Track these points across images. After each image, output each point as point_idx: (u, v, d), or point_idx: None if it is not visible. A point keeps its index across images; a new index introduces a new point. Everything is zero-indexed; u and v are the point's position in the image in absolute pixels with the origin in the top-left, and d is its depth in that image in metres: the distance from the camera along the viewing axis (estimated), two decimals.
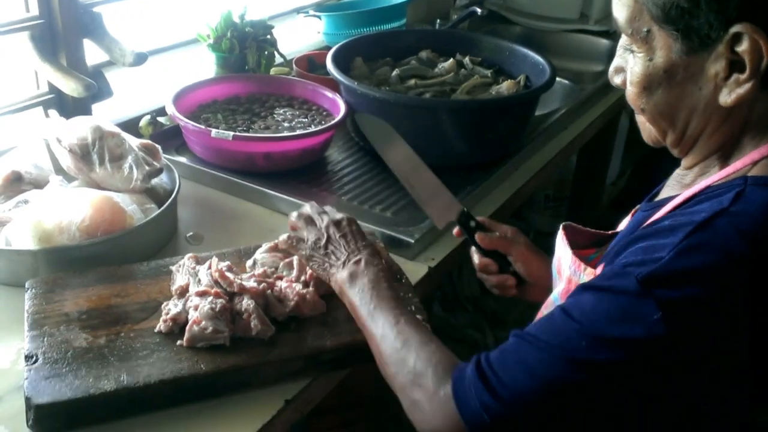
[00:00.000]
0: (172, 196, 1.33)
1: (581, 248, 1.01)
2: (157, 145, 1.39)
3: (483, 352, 0.85)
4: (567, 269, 0.98)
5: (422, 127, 1.57)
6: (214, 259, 1.13)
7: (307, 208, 1.17)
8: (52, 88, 1.56)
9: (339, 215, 1.14)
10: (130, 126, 1.59)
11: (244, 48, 1.80)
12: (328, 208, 1.17)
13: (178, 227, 1.39)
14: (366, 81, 1.72)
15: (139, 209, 1.27)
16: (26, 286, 1.11)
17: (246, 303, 1.05)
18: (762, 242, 0.74)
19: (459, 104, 1.64)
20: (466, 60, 1.86)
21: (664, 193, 0.96)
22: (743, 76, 0.78)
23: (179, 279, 1.12)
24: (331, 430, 2.00)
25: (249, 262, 1.20)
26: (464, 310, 2.53)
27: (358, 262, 1.06)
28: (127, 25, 1.71)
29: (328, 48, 1.81)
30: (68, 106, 1.57)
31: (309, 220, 1.15)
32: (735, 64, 0.79)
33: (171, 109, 1.53)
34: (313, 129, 1.57)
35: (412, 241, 1.34)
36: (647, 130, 0.93)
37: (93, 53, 1.59)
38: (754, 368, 0.77)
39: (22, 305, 1.08)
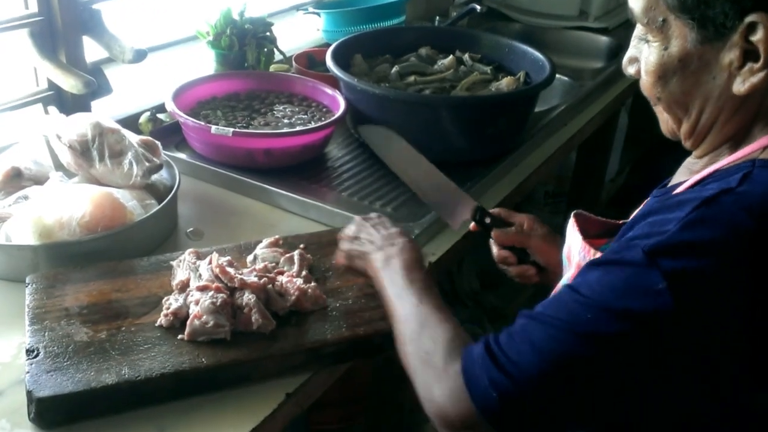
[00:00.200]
0: (172, 192, 1.33)
1: (592, 237, 1.01)
2: (156, 142, 1.40)
3: (490, 334, 0.86)
4: (577, 255, 0.99)
5: (422, 124, 1.57)
6: (215, 255, 1.13)
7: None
8: (52, 85, 1.56)
9: (372, 215, 1.21)
10: (130, 123, 1.59)
11: (244, 45, 1.80)
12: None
13: (179, 223, 1.39)
14: (366, 78, 1.72)
15: (139, 205, 1.27)
16: (27, 281, 1.11)
17: (247, 297, 1.06)
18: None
19: (459, 101, 1.64)
20: (466, 57, 1.87)
21: (674, 180, 0.97)
22: (757, 65, 0.80)
23: (180, 274, 1.12)
24: (332, 424, 2.00)
25: (249, 258, 1.20)
26: (464, 306, 2.53)
27: (392, 246, 1.10)
28: (127, 22, 1.71)
29: (328, 45, 1.81)
30: (68, 103, 1.57)
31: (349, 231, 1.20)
32: (749, 54, 0.80)
33: (171, 106, 1.53)
34: (313, 125, 1.57)
35: (413, 237, 1.34)
36: (664, 120, 0.94)
37: (92, 50, 1.59)
38: (754, 348, 0.77)
39: (23, 300, 1.08)
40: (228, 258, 1.14)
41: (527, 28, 2.64)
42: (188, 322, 1.02)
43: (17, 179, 1.34)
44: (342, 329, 1.07)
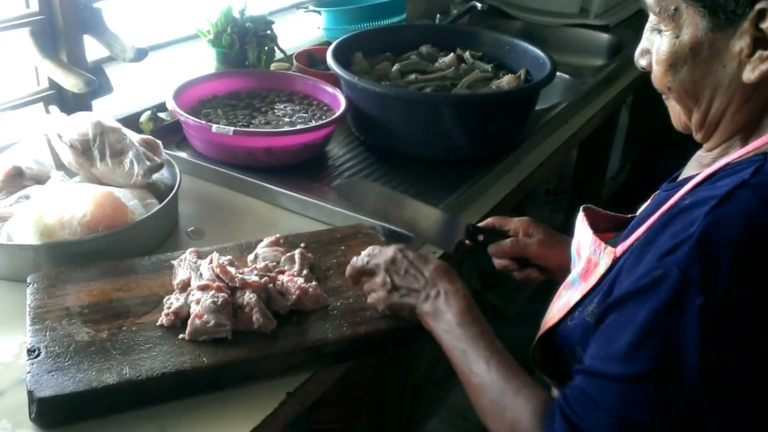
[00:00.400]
0: (173, 191, 1.33)
1: (602, 231, 1.01)
2: (157, 141, 1.40)
3: (560, 395, 0.86)
4: (587, 249, 0.98)
5: (423, 122, 1.57)
6: (215, 254, 1.13)
7: (357, 262, 1.11)
8: (53, 84, 1.56)
9: (390, 252, 1.09)
10: (131, 121, 1.59)
11: (245, 43, 1.80)
12: (372, 252, 1.12)
13: (179, 222, 1.39)
14: (366, 76, 1.72)
15: (140, 204, 1.27)
16: (28, 280, 1.11)
17: (248, 297, 1.06)
18: None
19: (460, 99, 1.64)
20: (467, 55, 1.87)
21: (684, 174, 0.97)
22: (767, 53, 0.80)
23: (181, 273, 1.12)
24: (333, 423, 2.00)
25: (250, 257, 1.20)
26: None
27: (438, 296, 1.03)
28: (128, 21, 1.71)
29: (328, 43, 1.81)
30: (69, 102, 1.57)
31: (368, 272, 1.10)
32: (759, 41, 0.81)
33: (171, 105, 1.53)
34: (313, 124, 1.57)
35: (413, 235, 1.34)
36: (676, 113, 0.94)
37: (93, 49, 1.59)
38: None
39: (24, 300, 1.08)
40: (229, 257, 1.14)
41: (528, 26, 2.64)
42: (189, 322, 1.02)
43: (18, 179, 1.34)
44: (343, 328, 1.07)
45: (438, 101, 1.59)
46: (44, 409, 0.91)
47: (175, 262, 1.15)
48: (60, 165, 1.37)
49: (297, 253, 1.19)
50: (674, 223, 0.80)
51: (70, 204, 1.21)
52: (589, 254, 0.98)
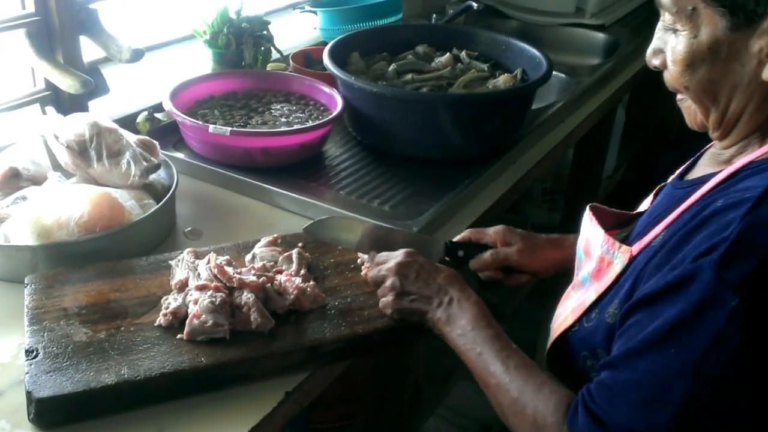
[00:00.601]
0: (170, 191, 1.33)
1: (607, 229, 1.01)
2: (154, 141, 1.40)
3: (583, 390, 0.86)
4: (598, 248, 0.98)
5: (419, 122, 1.57)
6: (213, 254, 1.13)
7: (370, 275, 1.12)
8: (49, 85, 1.56)
9: (400, 256, 1.10)
10: (128, 122, 1.59)
11: (241, 44, 1.80)
12: (380, 259, 1.13)
13: (177, 223, 1.39)
14: (363, 76, 1.73)
15: (137, 205, 1.27)
16: (25, 281, 1.11)
17: (246, 296, 1.06)
18: None
19: (456, 98, 1.64)
20: (463, 54, 1.87)
21: (698, 171, 0.97)
22: None
23: (179, 273, 1.12)
24: (331, 423, 2.00)
25: (248, 257, 1.20)
26: None
27: (450, 302, 1.04)
28: (124, 22, 1.71)
29: (325, 43, 1.81)
30: (65, 103, 1.57)
31: (380, 280, 1.10)
32: None
33: (168, 105, 1.53)
34: (310, 124, 1.57)
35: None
36: (692, 113, 0.94)
37: (89, 50, 1.59)
38: None
39: (22, 301, 1.08)
40: (226, 257, 1.14)
41: (524, 26, 2.64)
42: (187, 322, 1.02)
43: (15, 180, 1.34)
44: (341, 327, 1.07)
45: (434, 101, 1.60)
46: (43, 410, 0.91)
47: (172, 263, 1.15)
48: (57, 166, 1.36)
49: (294, 252, 1.19)
50: (708, 225, 0.80)
51: (67, 205, 1.21)
52: (601, 253, 0.97)
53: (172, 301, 1.06)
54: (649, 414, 0.78)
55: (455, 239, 1.24)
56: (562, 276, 1.19)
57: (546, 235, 1.26)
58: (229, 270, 1.09)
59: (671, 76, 0.91)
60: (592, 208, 1.06)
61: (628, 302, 0.86)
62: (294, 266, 1.17)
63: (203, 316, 1.02)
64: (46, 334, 1.01)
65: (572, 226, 1.24)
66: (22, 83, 1.58)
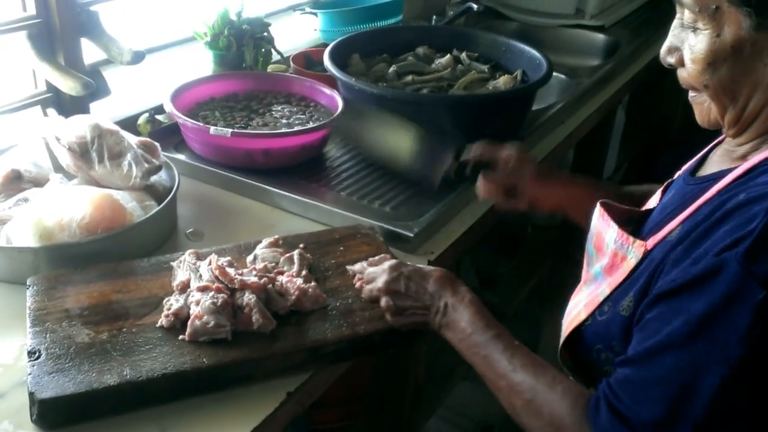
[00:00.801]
0: (172, 193, 1.34)
1: (617, 225, 1.01)
2: (155, 143, 1.40)
3: (603, 386, 0.86)
4: (612, 244, 0.98)
5: (420, 123, 1.57)
6: (214, 256, 1.13)
7: (365, 295, 1.12)
8: (50, 87, 1.56)
9: (385, 274, 1.09)
10: (129, 124, 1.60)
11: (242, 45, 1.80)
12: (369, 278, 1.12)
13: (178, 224, 1.39)
14: (363, 77, 1.73)
15: (138, 206, 1.28)
16: (28, 283, 1.11)
17: (247, 297, 1.06)
18: None
19: (456, 99, 1.64)
20: (463, 56, 1.87)
21: (711, 167, 0.97)
22: None
23: (180, 274, 1.13)
24: (333, 423, 2.01)
25: (249, 258, 1.21)
26: None
27: (446, 308, 1.03)
28: (125, 24, 1.71)
29: (325, 45, 1.81)
30: (66, 105, 1.57)
31: (374, 299, 1.11)
32: None
33: (169, 107, 1.53)
34: (311, 125, 1.57)
35: (411, 236, 1.34)
36: (705, 111, 0.94)
37: (90, 52, 1.60)
38: None
39: (24, 302, 1.08)
40: (228, 258, 1.14)
41: (524, 27, 2.64)
42: (189, 323, 1.02)
43: (17, 181, 1.34)
44: (342, 328, 1.08)
45: (434, 102, 1.60)
46: (45, 411, 0.92)
47: (174, 264, 1.15)
48: (58, 168, 1.37)
49: (296, 253, 1.19)
50: (731, 219, 0.80)
51: (69, 206, 1.21)
52: (614, 248, 0.97)
53: (173, 302, 1.07)
54: (677, 410, 0.78)
55: (465, 158, 1.24)
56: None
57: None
58: (231, 271, 1.10)
59: (689, 74, 0.91)
60: (603, 204, 1.05)
61: (645, 296, 0.86)
62: (295, 267, 1.17)
63: (205, 317, 1.02)
64: (48, 335, 1.01)
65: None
66: (23, 85, 1.59)
